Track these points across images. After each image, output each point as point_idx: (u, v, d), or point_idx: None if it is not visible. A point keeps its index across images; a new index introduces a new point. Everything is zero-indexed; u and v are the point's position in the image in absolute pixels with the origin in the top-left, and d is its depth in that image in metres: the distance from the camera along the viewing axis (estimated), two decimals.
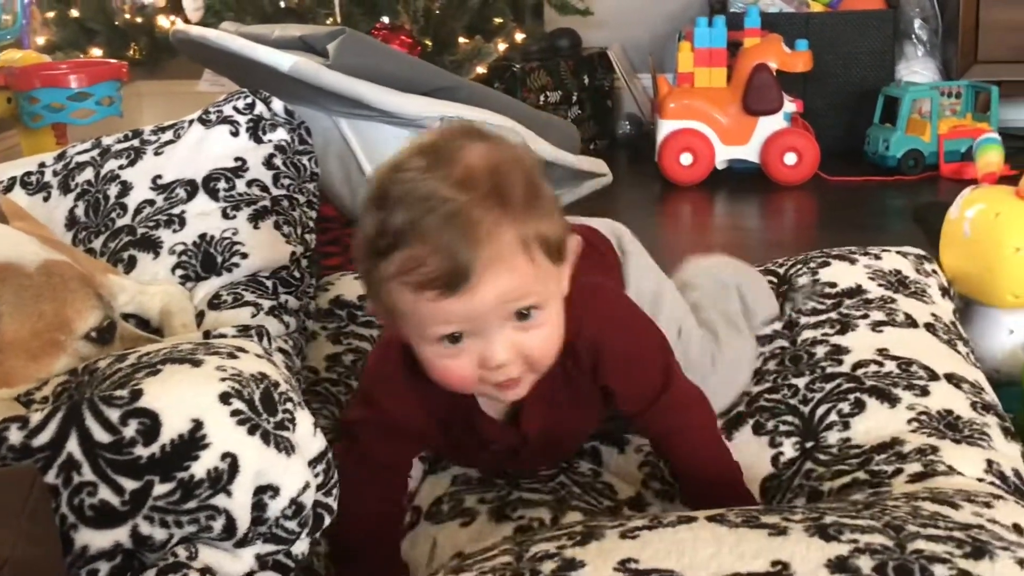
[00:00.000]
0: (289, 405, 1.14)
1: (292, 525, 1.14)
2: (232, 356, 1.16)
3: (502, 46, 3.53)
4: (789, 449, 1.49)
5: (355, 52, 2.27)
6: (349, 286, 1.91)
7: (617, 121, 4.38)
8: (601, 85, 4.26)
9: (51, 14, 3.60)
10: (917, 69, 3.96)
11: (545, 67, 3.97)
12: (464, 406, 1.34)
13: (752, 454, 1.49)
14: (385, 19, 3.27)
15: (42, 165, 1.82)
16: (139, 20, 3.60)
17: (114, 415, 1.06)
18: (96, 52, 3.54)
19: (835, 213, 3.38)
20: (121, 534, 1.05)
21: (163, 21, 3.46)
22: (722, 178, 3.70)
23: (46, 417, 1.06)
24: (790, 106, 3.63)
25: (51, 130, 3.03)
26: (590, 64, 4.18)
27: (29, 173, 1.81)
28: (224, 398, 1.09)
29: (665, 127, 3.70)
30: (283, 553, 1.16)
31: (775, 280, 1.85)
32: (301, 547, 1.18)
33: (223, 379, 1.11)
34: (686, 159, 3.67)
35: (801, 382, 1.59)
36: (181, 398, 1.07)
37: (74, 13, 3.59)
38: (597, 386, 1.36)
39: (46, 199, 1.78)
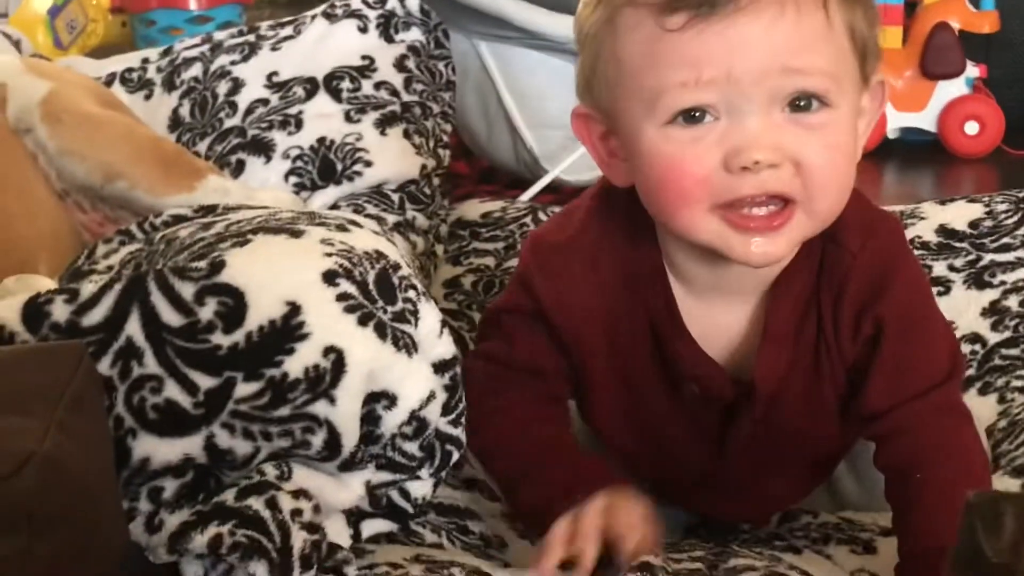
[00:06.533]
0: (411, 293, 0.90)
1: (412, 448, 0.90)
2: (342, 228, 0.92)
3: None
4: (1020, 397, 1.26)
5: None
6: (472, 208, 1.77)
7: None
8: None
9: None
10: None
11: None
12: (659, 306, 0.96)
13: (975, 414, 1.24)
14: None
15: (145, 61, 1.66)
16: None
17: (187, 291, 0.82)
18: None
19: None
20: (193, 445, 0.82)
21: None
22: (892, 148, 3.41)
23: (100, 289, 0.83)
24: (973, 70, 3.33)
25: None
26: None
27: (130, 69, 1.65)
28: (329, 277, 0.85)
29: None
30: (398, 489, 0.92)
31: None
32: (423, 489, 0.94)
33: (329, 254, 0.87)
34: None
35: None
36: (274, 274, 0.84)
37: None
38: (850, 355, 0.95)
39: (148, 97, 1.62)
